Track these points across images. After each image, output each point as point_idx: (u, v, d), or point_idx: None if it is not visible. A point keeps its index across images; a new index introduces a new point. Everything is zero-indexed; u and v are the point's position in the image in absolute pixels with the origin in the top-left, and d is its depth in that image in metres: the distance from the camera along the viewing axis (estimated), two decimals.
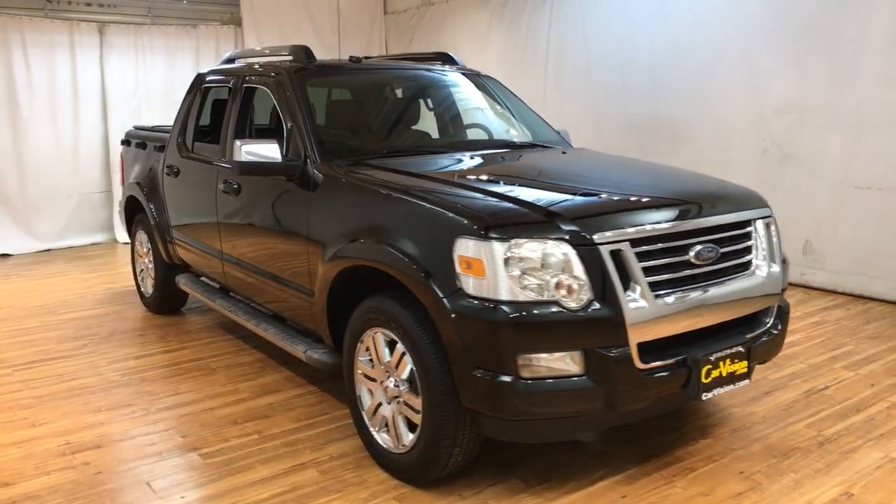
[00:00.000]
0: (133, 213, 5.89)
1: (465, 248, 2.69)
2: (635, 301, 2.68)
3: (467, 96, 4.59)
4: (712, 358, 2.83)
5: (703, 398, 2.84)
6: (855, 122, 5.87)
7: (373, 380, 3.23)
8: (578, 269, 2.63)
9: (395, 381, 3.07)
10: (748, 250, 3.12)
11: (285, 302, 3.87)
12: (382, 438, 3.21)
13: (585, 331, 2.62)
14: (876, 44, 5.65)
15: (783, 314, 3.25)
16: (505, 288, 2.61)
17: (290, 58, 4.30)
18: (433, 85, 4.62)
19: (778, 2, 6.24)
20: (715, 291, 2.91)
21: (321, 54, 4.49)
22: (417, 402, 2.95)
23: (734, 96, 6.62)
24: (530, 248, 2.64)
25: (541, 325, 2.59)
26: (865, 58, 5.74)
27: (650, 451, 3.35)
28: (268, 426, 3.71)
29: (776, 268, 3.18)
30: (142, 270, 5.90)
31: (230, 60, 5.06)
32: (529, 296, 2.61)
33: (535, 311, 2.59)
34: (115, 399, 4.10)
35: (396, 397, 3.09)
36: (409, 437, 3.05)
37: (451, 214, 2.82)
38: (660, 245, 2.81)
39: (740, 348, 2.94)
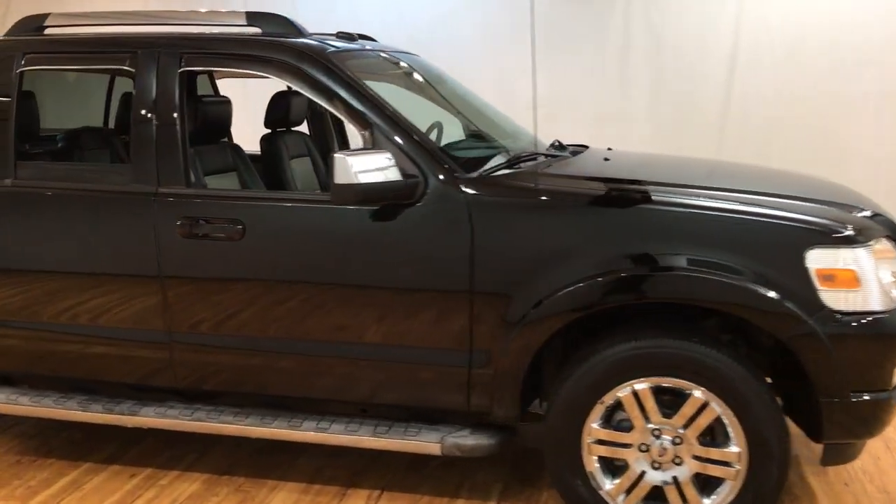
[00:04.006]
0: None
1: (825, 259, 2.34)
2: None
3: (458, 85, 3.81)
4: None
5: None
6: (596, 115, 6.73)
7: (623, 446, 2.54)
8: None
9: (675, 437, 2.49)
10: None
11: (394, 380, 2.70)
12: None
13: None
14: (613, 48, 6.58)
15: None
16: (882, 296, 2.37)
17: (258, 30, 2.94)
18: (436, 73, 3.76)
19: (525, 5, 6.67)
20: None
21: None
22: (729, 455, 2.46)
23: (486, 92, 6.84)
24: (886, 250, 2.44)
25: None
26: (604, 59, 6.62)
27: None
28: None
29: None
30: None
31: (40, 28, 3.15)
32: None
33: None
34: None
35: (675, 458, 2.50)
36: (705, 501, 2.51)
37: (794, 224, 2.42)
38: None
39: None
